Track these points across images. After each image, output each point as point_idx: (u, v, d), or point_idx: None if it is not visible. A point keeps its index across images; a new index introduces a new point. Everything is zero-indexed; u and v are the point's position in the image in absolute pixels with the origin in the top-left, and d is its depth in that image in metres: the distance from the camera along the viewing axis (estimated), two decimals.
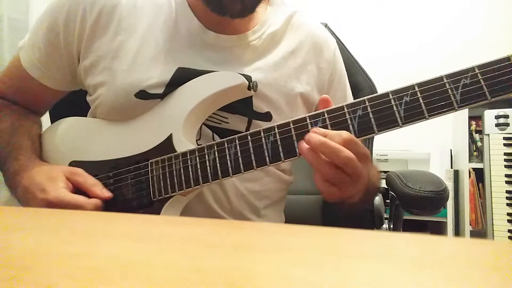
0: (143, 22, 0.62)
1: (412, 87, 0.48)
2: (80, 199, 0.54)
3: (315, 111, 0.52)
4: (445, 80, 0.47)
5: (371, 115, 0.49)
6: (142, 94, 0.59)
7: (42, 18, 0.65)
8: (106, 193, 0.57)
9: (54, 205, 0.53)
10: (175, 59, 0.61)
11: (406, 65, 2.28)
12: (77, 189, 0.57)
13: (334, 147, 0.47)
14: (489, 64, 0.46)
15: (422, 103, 0.47)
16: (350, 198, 0.53)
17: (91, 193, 0.56)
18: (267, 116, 0.63)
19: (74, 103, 0.70)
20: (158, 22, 0.63)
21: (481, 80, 0.46)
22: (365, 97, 0.50)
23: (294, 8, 0.71)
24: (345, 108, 0.50)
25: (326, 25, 0.99)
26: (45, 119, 0.75)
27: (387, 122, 0.49)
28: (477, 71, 0.46)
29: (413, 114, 0.48)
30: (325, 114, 0.51)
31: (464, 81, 0.46)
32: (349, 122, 0.50)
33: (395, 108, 0.48)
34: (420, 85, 0.48)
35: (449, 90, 0.47)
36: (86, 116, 0.68)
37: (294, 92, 0.65)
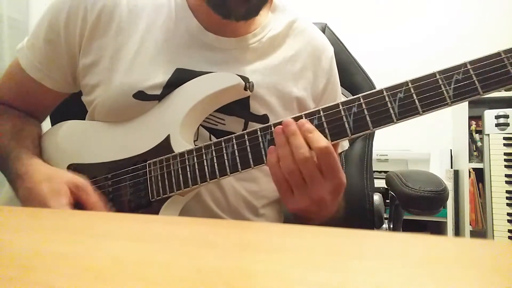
0: (143, 22, 0.62)
1: (405, 83, 0.49)
2: None
3: None
4: (438, 76, 0.48)
5: (366, 112, 0.50)
6: (140, 95, 0.59)
7: (43, 18, 0.65)
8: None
9: None
10: (173, 60, 0.61)
11: (406, 64, 2.28)
12: (79, 202, 0.55)
13: (300, 142, 0.49)
14: (481, 60, 0.47)
15: (416, 99, 0.48)
16: (306, 217, 0.54)
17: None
18: (264, 119, 0.63)
19: (74, 106, 0.70)
20: (158, 22, 0.63)
21: (473, 76, 0.47)
22: (359, 95, 0.50)
23: (296, 14, 0.71)
24: (340, 106, 0.51)
25: (326, 25, 0.99)
26: (45, 123, 0.75)
27: (382, 118, 0.49)
28: (469, 66, 0.47)
29: (407, 110, 0.48)
30: (321, 112, 0.51)
31: (456, 77, 0.47)
32: (345, 119, 0.50)
33: (389, 105, 0.49)
34: (413, 81, 0.49)
35: (442, 86, 0.47)
36: (85, 118, 0.68)
37: (291, 96, 0.65)
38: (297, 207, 0.53)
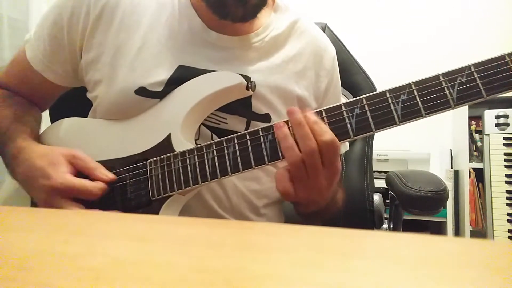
0: (146, 19, 0.63)
1: (409, 85, 0.49)
2: (86, 182, 0.54)
3: None
4: (441, 79, 0.48)
5: (368, 114, 0.49)
6: (142, 91, 0.60)
7: (48, 12, 0.66)
8: (109, 175, 0.57)
9: (60, 190, 0.53)
10: (176, 57, 0.61)
11: (406, 64, 2.28)
12: (80, 172, 0.57)
13: (306, 132, 0.48)
14: (485, 63, 0.47)
15: (419, 101, 0.48)
16: (304, 205, 0.55)
17: (94, 177, 0.56)
18: (266, 118, 0.63)
19: (74, 102, 0.70)
20: (161, 20, 0.63)
21: (477, 79, 0.46)
22: (362, 96, 0.50)
23: (298, 14, 0.72)
24: (343, 107, 0.51)
25: (326, 25, 0.99)
26: (46, 120, 0.75)
27: (385, 120, 0.49)
28: (473, 69, 0.47)
29: (410, 112, 0.48)
30: (323, 113, 0.51)
31: (460, 80, 0.47)
32: (347, 120, 0.50)
33: (392, 107, 0.49)
34: (417, 83, 0.48)
35: (446, 88, 0.47)
36: (86, 115, 0.69)
37: (293, 96, 0.66)
38: (296, 199, 0.53)
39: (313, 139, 0.48)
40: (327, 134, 0.49)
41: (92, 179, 0.56)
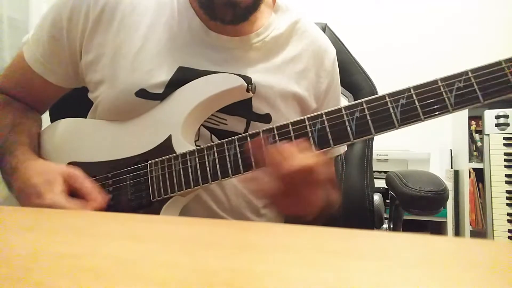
0: (146, 20, 0.62)
1: (408, 90, 0.49)
2: (76, 206, 0.53)
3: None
4: (439, 84, 0.48)
5: (368, 117, 0.50)
6: (142, 93, 0.59)
7: (47, 13, 0.65)
8: (101, 202, 0.55)
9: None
10: (176, 58, 0.61)
11: (406, 64, 2.28)
12: (74, 192, 0.55)
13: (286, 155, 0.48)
14: (482, 68, 0.47)
15: (417, 106, 0.49)
16: (302, 216, 0.56)
17: (87, 199, 0.54)
18: (266, 118, 0.63)
19: (74, 103, 0.70)
20: (161, 21, 0.63)
21: (474, 84, 0.47)
22: (362, 100, 0.51)
23: (299, 14, 0.72)
24: (343, 110, 0.51)
25: (326, 25, 0.99)
26: (46, 119, 0.75)
27: (384, 124, 0.49)
28: (470, 74, 0.48)
29: (409, 116, 0.49)
30: (323, 116, 0.51)
31: (458, 85, 0.48)
32: (347, 124, 0.50)
33: (391, 111, 0.49)
34: (415, 88, 0.49)
35: (444, 93, 0.48)
36: (86, 116, 0.68)
37: (293, 96, 0.66)
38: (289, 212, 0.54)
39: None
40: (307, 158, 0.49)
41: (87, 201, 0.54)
